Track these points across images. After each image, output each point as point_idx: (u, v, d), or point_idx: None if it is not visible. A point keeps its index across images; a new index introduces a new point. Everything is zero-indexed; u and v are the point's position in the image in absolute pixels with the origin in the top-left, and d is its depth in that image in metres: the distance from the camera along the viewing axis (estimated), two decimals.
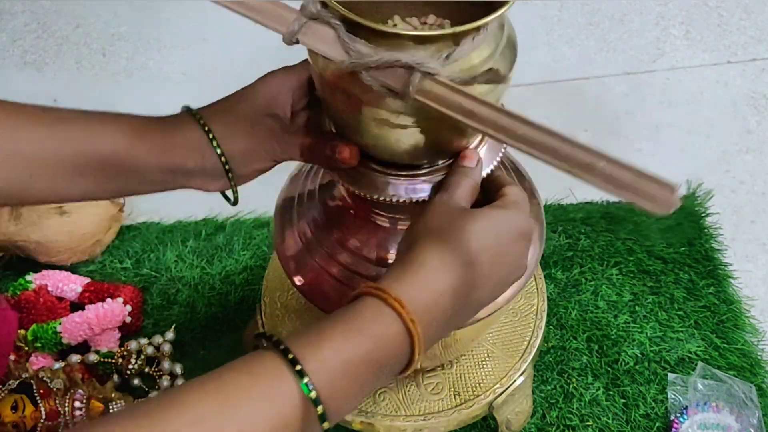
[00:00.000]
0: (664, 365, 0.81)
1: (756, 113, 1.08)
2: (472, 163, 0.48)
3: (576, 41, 1.20)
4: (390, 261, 0.56)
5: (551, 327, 0.84)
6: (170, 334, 0.83)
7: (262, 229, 0.95)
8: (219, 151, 0.49)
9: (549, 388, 0.80)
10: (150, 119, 0.51)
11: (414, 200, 0.50)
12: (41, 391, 0.70)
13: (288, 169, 0.66)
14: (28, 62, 1.19)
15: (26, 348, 0.79)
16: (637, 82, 1.13)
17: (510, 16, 0.45)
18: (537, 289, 0.75)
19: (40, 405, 0.69)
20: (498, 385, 0.69)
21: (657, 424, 0.77)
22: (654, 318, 0.85)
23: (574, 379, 0.80)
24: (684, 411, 0.76)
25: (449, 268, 0.42)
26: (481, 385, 0.69)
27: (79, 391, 0.72)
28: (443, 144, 0.48)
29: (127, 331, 0.84)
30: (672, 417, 0.77)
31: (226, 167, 0.50)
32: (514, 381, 0.69)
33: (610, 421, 0.77)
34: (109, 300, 0.82)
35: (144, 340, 0.82)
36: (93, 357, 0.78)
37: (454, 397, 0.68)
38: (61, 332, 0.79)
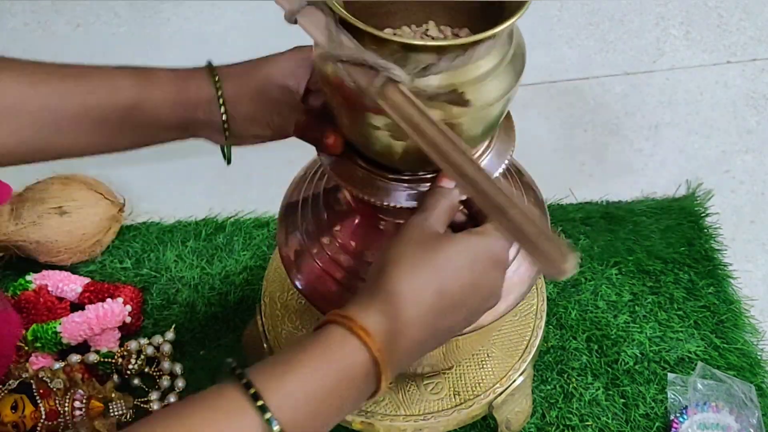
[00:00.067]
0: (664, 365, 0.81)
1: (756, 113, 1.08)
2: (451, 183, 0.48)
3: (576, 41, 1.20)
4: None
5: (551, 327, 0.84)
6: (170, 334, 0.83)
7: (262, 229, 0.95)
8: (222, 109, 0.51)
9: (549, 387, 0.80)
10: (167, 71, 0.52)
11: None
12: (41, 391, 0.70)
13: (290, 171, 0.66)
14: None
15: (26, 348, 0.79)
16: (637, 83, 1.13)
17: None
18: (537, 288, 0.75)
19: (40, 405, 0.69)
20: (498, 385, 0.69)
21: (657, 424, 0.77)
22: (654, 318, 0.85)
23: (573, 379, 0.80)
24: (684, 411, 0.76)
25: (420, 297, 0.41)
26: (481, 384, 0.69)
27: (79, 391, 0.72)
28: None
29: (127, 331, 0.84)
30: (672, 417, 0.77)
31: (225, 126, 0.52)
32: (514, 381, 0.69)
33: (609, 421, 0.77)
34: (109, 300, 0.82)
35: (144, 340, 0.82)
36: (93, 357, 0.78)
37: (454, 397, 0.68)
38: (61, 332, 0.79)
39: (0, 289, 0.83)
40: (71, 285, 0.85)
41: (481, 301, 0.45)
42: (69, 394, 0.71)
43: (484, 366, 0.70)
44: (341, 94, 0.44)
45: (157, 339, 0.82)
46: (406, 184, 0.50)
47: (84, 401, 0.71)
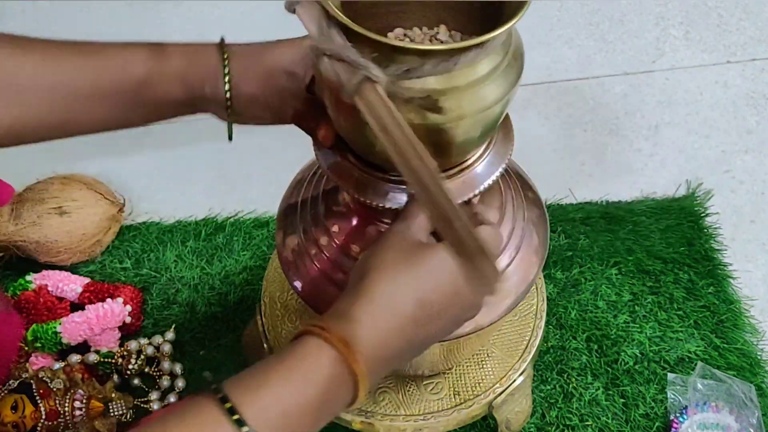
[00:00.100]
0: (664, 365, 0.81)
1: (756, 113, 1.08)
2: None
3: (576, 41, 1.20)
4: None
5: (551, 327, 0.84)
6: (170, 334, 0.83)
7: (262, 229, 0.95)
8: (227, 87, 0.51)
9: (548, 387, 0.80)
10: (178, 45, 0.52)
11: None
12: (41, 391, 0.70)
13: (290, 171, 0.66)
14: None
15: (26, 348, 0.79)
16: (637, 83, 1.13)
17: None
18: (537, 288, 0.75)
19: (40, 405, 0.69)
20: (497, 385, 0.69)
21: (656, 423, 0.77)
22: (653, 318, 0.85)
23: (573, 379, 0.80)
24: (683, 411, 0.76)
25: (399, 307, 0.41)
26: (481, 384, 0.69)
27: (79, 391, 0.72)
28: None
29: (127, 331, 0.84)
30: (671, 417, 0.77)
31: (228, 103, 0.52)
32: (514, 381, 0.69)
33: (609, 421, 0.77)
34: (109, 300, 0.82)
35: (144, 340, 0.82)
36: (93, 357, 0.79)
37: (454, 397, 0.68)
38: (61, 332, 0.79)
39: (1, 290, 0.83)
40: (71, 285, 0.85)
41: (460, 311, 0.45)
42: (69, 394, 0.71)
43: (484, 366, 0.70)
44: (329, 88, 0.44)
45: (157, 339, 0.82)
46: (404, 186, 0.50)
47: (84, 401, 0.71)
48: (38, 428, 0.68)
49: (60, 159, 1.06)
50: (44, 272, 0.87)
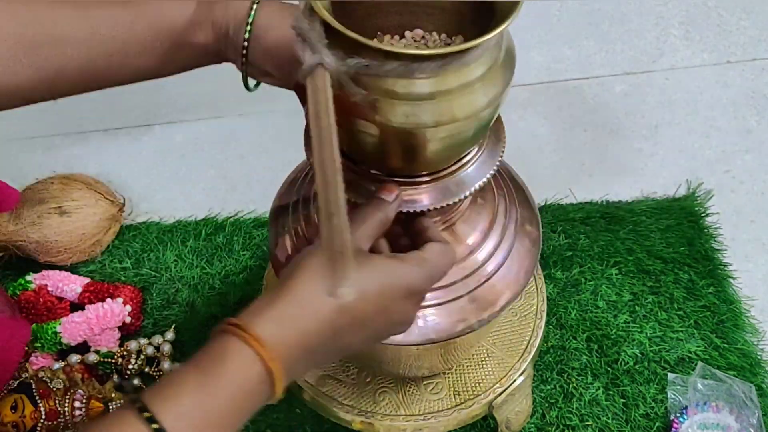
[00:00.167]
0: (664, 365, 0.81)
1: (756, 113, 1.08)
2: (390, 196, 0.47)
3: (575, 41, 1.20)
4: None
5: (551, 327, 0.84)
6: (170, 334, 0.83)
7: (262, 228, 0.95)
8: (247, 35, 0.50)
9: (549, 387, 0.80)
10: None
11: (410, 211, 0.49)
12: (41, 391, 0.70)
13: (290, 171, 0.66)
14: None
15: (26, 348, 0.79)
16: (637, 82, 1.13)
17: None
18: (537, 288, 0.75)
19: (40, 405, 0.69)
20: (498, 385, 0.69)
21: (657, 423, 0.77)
22: (654, 318, 0.85)
23: (573, 379, 0.80)
24: (684, 411, 0.76)
25: (319, 309, 0.41)
26: (481, 384, 0.69)
27: (79, 391, 0.72)
28: (408, 153, 0.47)
29: (126, 331, 0.84)
30: (672, 417, 0.77)
31: (244, 51, 0.51)
32: (514, 381, 0.69)
33: (609, 421, 0.77)
34: (108, 300, 0.82)
35: (144, 340, 0.82)
36: (93, 357, 0.79)
37: (454, 397, 0.68)
38: (60, 332, 0.79)
39: (7, 295, 0.83)
40: (71, 285, 0.85)
41: (387, 325, 0.44)
42: (69, 394, 0.71)
43: (484, 366, 0.70)
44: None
45: (157, 339, 0.82)
46: (400, 188, 0.49)
47: (84, 401, 0.71)
48: (38, 428, 0.68)
49: (60, 159, 1.06)
50: (44, 272, 0.87)
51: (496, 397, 0.68)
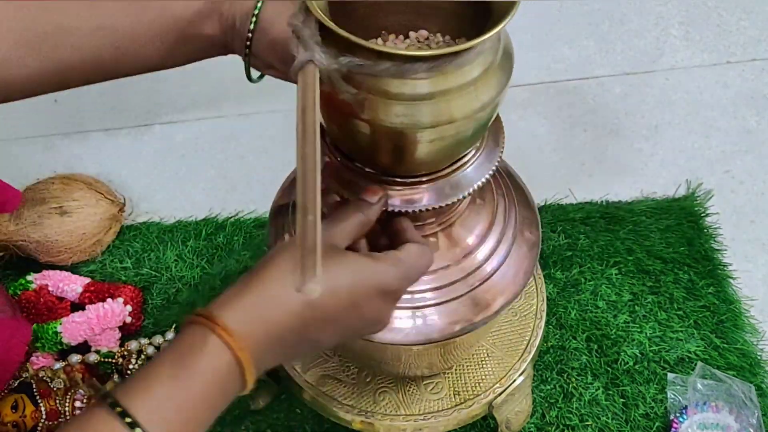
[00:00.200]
0: (664, 365, 0.81)
1: (756, 113, 1.09)
2: (373, 198, 0.47)
3: (575, 41, 1.20)
4: None
5: (551, 327, 0.84)
6: (170, 334, 0.83)
7: (262, 228, 0.96)
8: (251, 27, 0.50)
9: (548, 387, 0.80)
10: None
11: (409, 211, 0.49)
12: (41, 391, 0.70)
13: (287, 171, 0.66)
14: None
15: (27, 348, 0.79)
16: (637, 83, 1.13)
17: None
18: (536, 288, 0.75)
19: (41, 405, 0.69)
20: (498, 385, 0.69)
21: (656, 423, 0.77)
22: (653, 318, 0.85)
23: (573, 379, 0.80)
24: (683, 411, 0.76)
25: (287, 302, 0.41)
26: (481, 384, 0.69)
27: (80, 391, 0.72)
28: (402, 152, 0.47)
29: (127, 331, 0.84)
30: (671, 417, 0.77)
31: (248, 43, 0.51)
32: (514, 381, 0.69)
33: (609, 421, 0.77)
34: (109, 300, 0.82)
35: (144, 340, 0.82)
36: (93, 357, 0.79)
37: (454, 397, 0.68)
38: (61, 332, 0.79)
39: (8, 294, 0.83)
40: (71, 285, 0.86)
41: (360, 324, 0.44)
42: (69, 394, 0.71)
43: (484, 366, 0.70)
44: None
45: (158, 339, 0.82)
46: (398, 188, 0.50)
47: (84, 401, 0.71)
48: (38, 428, 0.68)
49: (61, 159, 1.06)
50: (45, 272, 0.87)
51: (496, 397, 0.68)
